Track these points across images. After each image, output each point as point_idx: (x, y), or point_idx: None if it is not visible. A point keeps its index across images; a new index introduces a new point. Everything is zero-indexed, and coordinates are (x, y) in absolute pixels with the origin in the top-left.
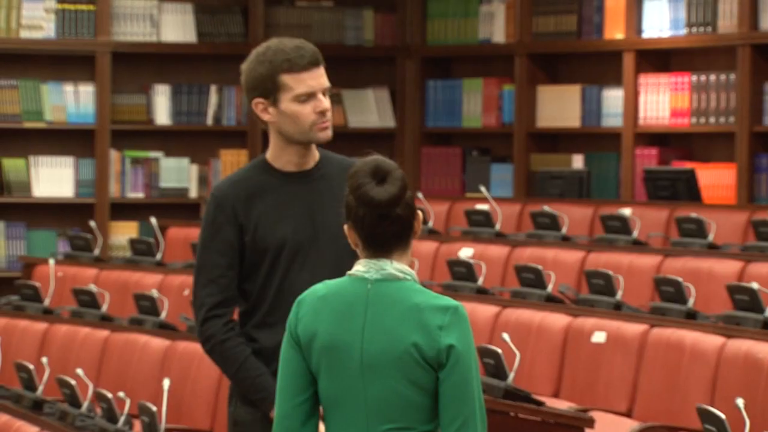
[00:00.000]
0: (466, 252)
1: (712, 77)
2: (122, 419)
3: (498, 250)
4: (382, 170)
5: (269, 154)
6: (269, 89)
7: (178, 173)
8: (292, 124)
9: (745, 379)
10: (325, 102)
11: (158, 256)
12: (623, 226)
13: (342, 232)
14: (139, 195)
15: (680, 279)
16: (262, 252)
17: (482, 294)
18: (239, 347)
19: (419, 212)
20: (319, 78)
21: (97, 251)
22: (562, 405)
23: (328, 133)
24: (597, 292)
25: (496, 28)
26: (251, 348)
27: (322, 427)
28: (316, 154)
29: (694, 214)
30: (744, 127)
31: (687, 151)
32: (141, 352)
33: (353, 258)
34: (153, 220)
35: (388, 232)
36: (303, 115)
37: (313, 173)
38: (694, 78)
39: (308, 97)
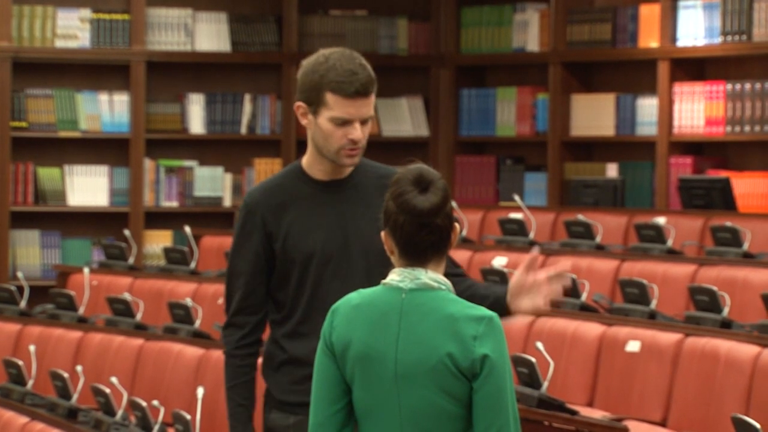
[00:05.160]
0: (499, 261)
1: (747, 86)
2: (156, 428)
3: None
4: (426, 179)
5: (305, 161)
6: (313, 99)
7: (212, 182)
8: (322, 140)
9: None
10: (359, 131)
11: (192, 265)
12: (658, 234)
13: (373, 241)
14: (173, 204)
15: (715, 288)
16: (292, 262)
17: None
18: (243, 368)
19: (456, 224)
20: (360, 108)
21: (131, 260)
22: (596, 414)
23: (355, 160)
24: (631, 301)
25: (530, 37)
26: (281, 358)
27: None
28: None
29: (728, 223)
30: None
31: (722, 159)
32: (175, 360)
33: (385, 268)
34: (187, 229)
35: (426, 241)
36: (334, 137)
37: (347, 182)
38: (729, 86)
39: (344, 123)
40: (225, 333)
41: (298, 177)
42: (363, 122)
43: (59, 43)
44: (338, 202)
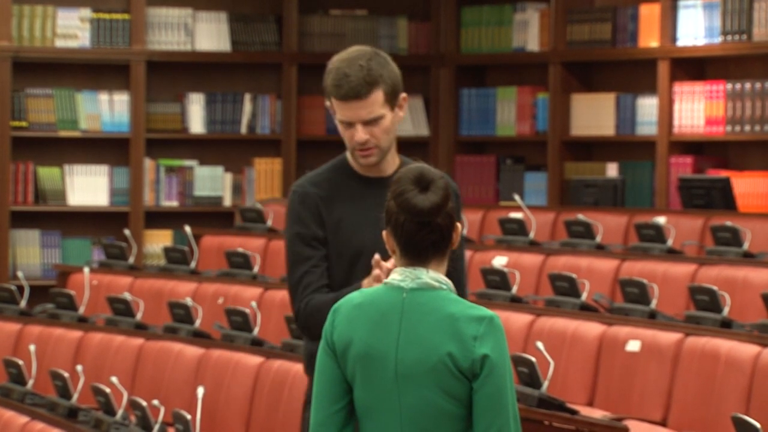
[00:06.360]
0: (500, 260)
1: (747, 85)
2: (156, 427)
3: (532, 259)
4: (426, 178)
5: (349, 155)
6: (329, 101)
7: (212, 182)
8: (343, 139)
9: None
10: (360, 133)
11: (192, 265)
12: (658, 234)
13: None
14: (174, 203)
15: (715, 287)
16: (340, 255)
17: (516, 302)
18: (322, 294)
19: (458, 224)
20: (357, 110)
21: (131, 259)
22: (596, 414)
23: (370, 160)
24: (631, 301)
25: (530, 37)
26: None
27: None
28: (396, 160)
29: (729, 223)
30: None
31: (722, 159)
32: (175, 360)
33: None
34: (187, 229)
35: (427, 240)
36: (346, 137)
37: (389, 180)
38: (729, 86)
39: (347, 125)
40: (303, 306)
41: (345, 171)
42: (367, 123)
43: (59, 43)
44: (382, 198)
